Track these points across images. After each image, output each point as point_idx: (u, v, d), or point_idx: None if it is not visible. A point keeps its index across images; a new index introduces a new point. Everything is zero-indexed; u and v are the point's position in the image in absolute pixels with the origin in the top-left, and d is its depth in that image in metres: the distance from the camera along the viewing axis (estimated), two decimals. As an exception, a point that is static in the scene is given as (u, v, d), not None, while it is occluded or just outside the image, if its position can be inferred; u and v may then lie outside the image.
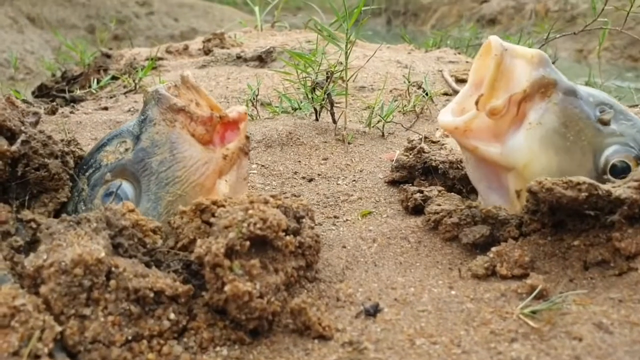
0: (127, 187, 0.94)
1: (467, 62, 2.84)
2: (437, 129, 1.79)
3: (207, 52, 2.89)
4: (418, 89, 2.10)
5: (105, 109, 1.99)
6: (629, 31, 2.07)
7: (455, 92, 2.18)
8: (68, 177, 0.94)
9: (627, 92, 2.92)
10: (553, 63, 2.68)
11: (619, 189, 0.83)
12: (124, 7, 7.81)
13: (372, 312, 0.81)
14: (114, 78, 2.52)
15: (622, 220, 0.83)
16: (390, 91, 2.17)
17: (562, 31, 2.22)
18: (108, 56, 3.19)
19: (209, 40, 2.97)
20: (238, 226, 0.78)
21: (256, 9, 3.49)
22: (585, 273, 0.85)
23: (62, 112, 1.88)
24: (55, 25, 6.86)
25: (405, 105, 1.94)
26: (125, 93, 2.22)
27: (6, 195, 0.89)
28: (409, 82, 2.07)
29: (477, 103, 0.94)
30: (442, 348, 0.72)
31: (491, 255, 0.90)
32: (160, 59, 2.76)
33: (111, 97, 2.20)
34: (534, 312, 0.76)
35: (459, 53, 3.16)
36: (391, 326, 0.78)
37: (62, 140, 0.98)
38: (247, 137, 1.05)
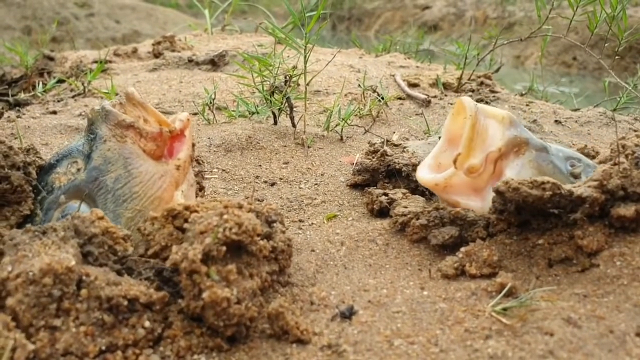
0: (83, 207, 0.91)
1: (417, 66, 2.89)
2: (394, 132, 1.81)
3: (157, 55, 2.83)
4: (373, 92, 2.13)
5: (54, 112, 1.92)
6: (566, 38, 2.16)
7: (408, 96, 2.22)
8: (30, 188, 0.90)
9: (567, 98, 3.05)
10: (498, 70, 2.76)
11: (580, 188, 0.87)
12: (62, 8, 7.54)
13: (348, 314, 0.81)
14: (60, 81, 2.43)
15: (584, 219, 0.87)
16: (345, 95, 2.19)
17: (500, 38, 2.29)
18: (51, 58, 3.08)
19: (158, 43, 2.91)
20: (214, 231, 0.77)
21: (206, 12, 3.45)
22: (550, 270, 0.88)
23: (8, 117, 1.80)
24: (-11, 26, 6.57)
25: (361, 109, 1.96)
26: (74, 97, 2.15)
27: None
28: (364, 86, 2.09)
29: (455, 162, 0.98)
30: (420, 348, 0.73)
31: (460, 255, 0.92)
32: (109, 61, 2.69)
33: (59, 101, 2.12)
34: (505, 309, 0.78)
35: (409, 58, 3.21)
36: (368, 328, 0.78)
37: (21, 149, 0.94)
38: (193, 144, 1.04)
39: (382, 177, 1.28)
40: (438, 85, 2.39)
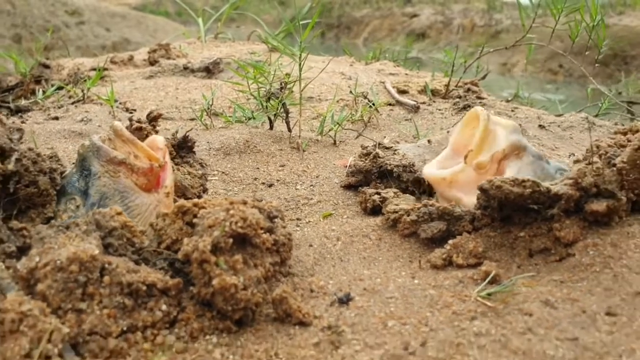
0: None
1: (406, 74, 2.98)
2: (385, 137, 1.89)
3: (153, 62, 2.90)
4: (364, 99, 2.21)
5: (56, 118, 1.99)
6: (550, 46, 2.26)
7: (398, 102, 2.31)
8: (55, 192, 0.97)
9: (552, 104, 3.14)
10: (484, 77, 2.85)
11: (557, 186, 0.95)
12: (52, 16, 7.56)
13: (345, 300, 0.89)
14: (59, 88, 2.49)
15: (561, 213, 0.95)
16: (338, 101, 2.27)
17: (487, 45, 2.39)
18: (46, 66, 3.13)
19: (154, 50, 2.98)
20: (221, 225, 0.84)
21: (199, 20, 3.52)
22: (530, 260, 0.96)
23: (13, 122, 1.86)
24: (-21, 34, 6.58)
25: (353, 115, 2.03)
26: (73, 103, 2.21)
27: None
28: (355, 93, 2.17)
29: (465, 157, 1.09)
30: (412, 327, 0.80)
31: (448, 247, 0.99)
32: (106, 69, 2.75)
33: (59, 107, 2.18)
34: (489, 294, 0.86)
35: (398, 66, 3.30)
36: (363, 312, 0.85)
37: (46, 156, 1.01)
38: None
39: (375, 177, 1.35)
40: (427, 92, 2.48)
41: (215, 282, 0.79)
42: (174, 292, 0.81)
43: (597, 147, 1.04)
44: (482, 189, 0.97)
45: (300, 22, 1.66)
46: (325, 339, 0.79)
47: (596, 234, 0.95)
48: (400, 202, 1.18)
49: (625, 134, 1.09)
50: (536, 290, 0.86)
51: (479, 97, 2.44)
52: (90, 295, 0.76)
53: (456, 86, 2.54)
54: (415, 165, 1.32)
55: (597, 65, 2.15)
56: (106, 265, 0.78)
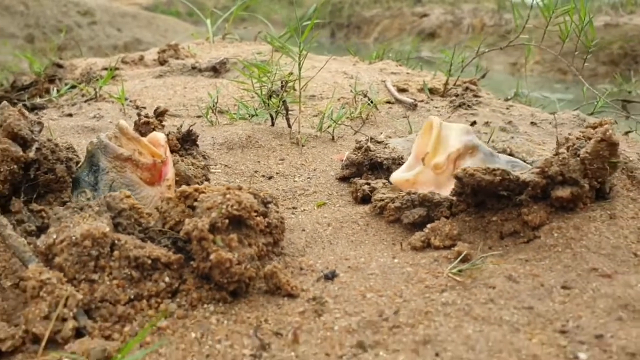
0: None
1: (407, 73, 3.07)
2: (381, 133, 1.98)
3: (163, 62, 3.01)
4: (364, 97, 2.30)
5: (70, 115, 2.10)
6: (553, 47, 2.33)
7: (397, 100, 2.40)
8: (70, 180, 1.08)
9: (550, 102, 3.22)
10: (484, 76, 2.93)
11: (524, 174, 1.04)
12: (65, 16, 7.69)
13: (330, 276, 0.98)
14: (72, 87, 2.61)
15: (528, 199, 1.04)
16: (339, 99, 2.36)
17: (497, 45, 2.47)
18: (60, 66, 3.25)
19: (163, 51, 3.09)
20: (218, 207, 0.94)
21: (207, 21, 3.62)
22: (501, 242, 1.05)
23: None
24: (-8, 34, 6.71)
25: (352, 112, 2.13)
26: (86, 101, 2.32)
27: (16, 195, 1.02)
28: (355, 91, 2.27)
29: (422, 159, 1.21)
30: (387, 299, 0.90)
31: (427, 230, 1.09)
32: (117, 68, 2.86)
33: (73, 105, 2.29)
34: (460, 270, 0.95)
35: (400, 65, 3.39)
36: (346, 286, 0.95)
37: (64, 146, 1.11)
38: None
39: (366, 169, 1.45)
40: (425, 91, 2.57)
41: (212, 257, 0.89)
42: (175, 266, 0.91)
43: (567, 139, 1.13)
44: (457, 177, 1.06)
45: (304, 23, 1.75)
46: (310, 308, 0.89)
47: (561, 218, 1.04)
48: (388, 192, 1.27)
49: (594, 127, 1.18)
50: (502, 268, 0.95)
51: (475, 96, 2.52)
52: (101, 267, 0.86)
53: (455, 85, 2.62)
54: (404, 157, 1.41)
55: (612, 64, 2.22)
56: (116, 242, 0.88)
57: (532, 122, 2.15)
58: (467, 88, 2.64)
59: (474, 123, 2.02)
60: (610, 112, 2.72)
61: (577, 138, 1.13)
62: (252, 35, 3.91)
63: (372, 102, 2.19)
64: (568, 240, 0.99)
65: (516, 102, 2.93)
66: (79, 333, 0.81)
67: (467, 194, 1.08)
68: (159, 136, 1.19)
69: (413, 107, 2.30)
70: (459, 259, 0.98)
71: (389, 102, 2.41)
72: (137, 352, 0.78)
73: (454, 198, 1.11)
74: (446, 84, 2.58)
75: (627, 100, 2.87)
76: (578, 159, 1.04)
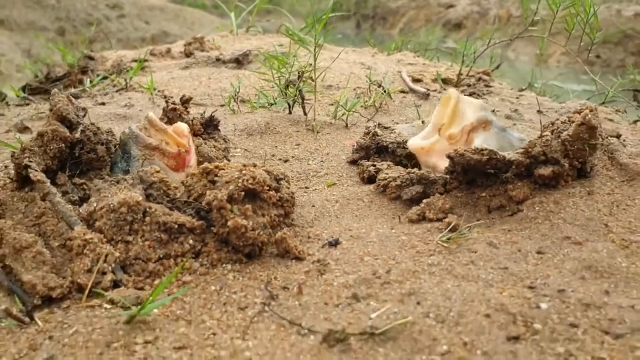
0: None
1: (423, 64, 3.17)
2: (393, 120, 2.10)
3: (189, 54, 3.16)
4: (378, 87, 2.42)
5: (103, 104, 2.26)
6: (577, 38, 2.40)
7: (411, 90, 2.51)
8: (109, 159, 1.23)
9: (563, 92, 3.29)
10: (498, 67, 3.01)
11: (510, 154, 1.15)
12: (94, 9, 7.90)
13: (334, 243, 1.11)
14: (104, 78, 2.77)
15: (513, 177, 1.16)
16: (354, 89, 2.48)
17: (493, 38, 2.57)
18: (91, 58, 3.43)
19: (189, 43, 3.24)
20: (235, 182, 1.08)
21: (232, 14, 3.77)
22: (489, 215, 1.17)
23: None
24: (25, 27, 6.93)
25: (366, 101, 2.25)
26: (118, 91, 2.49)
27: (63, 170, 1.17)
28: (370, 81, 2.38)
29: (439, 130, 1.31)
30: (381, 261, 1.02)
31: (422, 205, 1.21)
32: (146, 60, 3.02)
33: (105, 94, 2.46)
34: (448, 239, 1.07)
35: (418, 56, 3.49)
36: (347, 251, 1.08)
37: (104, 130, 1.26)
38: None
39: (373, 152, 1.57)
40: (438, 81, 2.67)
41: (230, 223, 1.03)
42: (198, 231, 1.05)
43: (552, 123, 1.24)
44: (449, 157, 1.18)
45: (321, 17, 1.88)
46: (314, 268, 1.02)
47: (543, 194, 1.15)
48: (391, 172, 1.39)
49: (579, 112, 1.28)
50: (485, 236, 1.07)
51: (487, 86, 2.62)
52: (135, 230, 1.00)
53: (468, 75, 2.72)
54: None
55: (590, 54, 2.30)
56: (147, 209, 1.02)
57: (538, 111, 2.24)
58: (479, 79, 2.74)
59: (481, 111, 2.12)
60: (621, 102, 2.80)
61: (562, 122, 1.24)
62: (275, 27, 4.04)
63: (385, 91, 2.30)
64: (547, 213, 1.11)
65: (529, 92, 3.02)
66: (116, 284, 0.96)
67: (459, 172, 1.20)
68: (182, 127, 1.33)
69: (425, 96, 2.41)
70: (448, 229, 1.10)
71: (402, 92, 2.53)
72: (165, 298, 0.92)
73: (447, 176, 1.23)
74: (459, 74, 2.68)
75: (638, 90, 2.94)
76: (559, 140, 1.15)
